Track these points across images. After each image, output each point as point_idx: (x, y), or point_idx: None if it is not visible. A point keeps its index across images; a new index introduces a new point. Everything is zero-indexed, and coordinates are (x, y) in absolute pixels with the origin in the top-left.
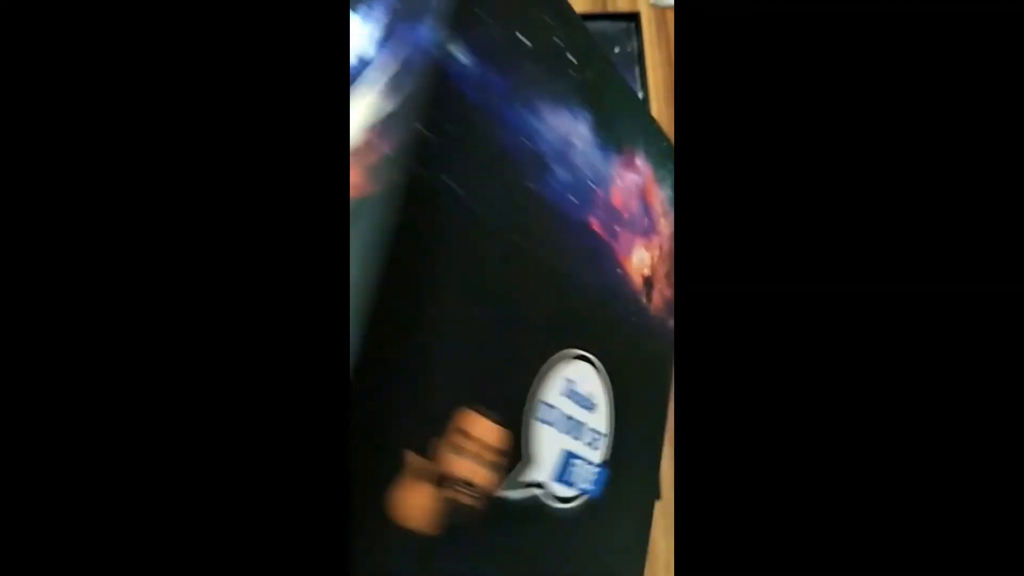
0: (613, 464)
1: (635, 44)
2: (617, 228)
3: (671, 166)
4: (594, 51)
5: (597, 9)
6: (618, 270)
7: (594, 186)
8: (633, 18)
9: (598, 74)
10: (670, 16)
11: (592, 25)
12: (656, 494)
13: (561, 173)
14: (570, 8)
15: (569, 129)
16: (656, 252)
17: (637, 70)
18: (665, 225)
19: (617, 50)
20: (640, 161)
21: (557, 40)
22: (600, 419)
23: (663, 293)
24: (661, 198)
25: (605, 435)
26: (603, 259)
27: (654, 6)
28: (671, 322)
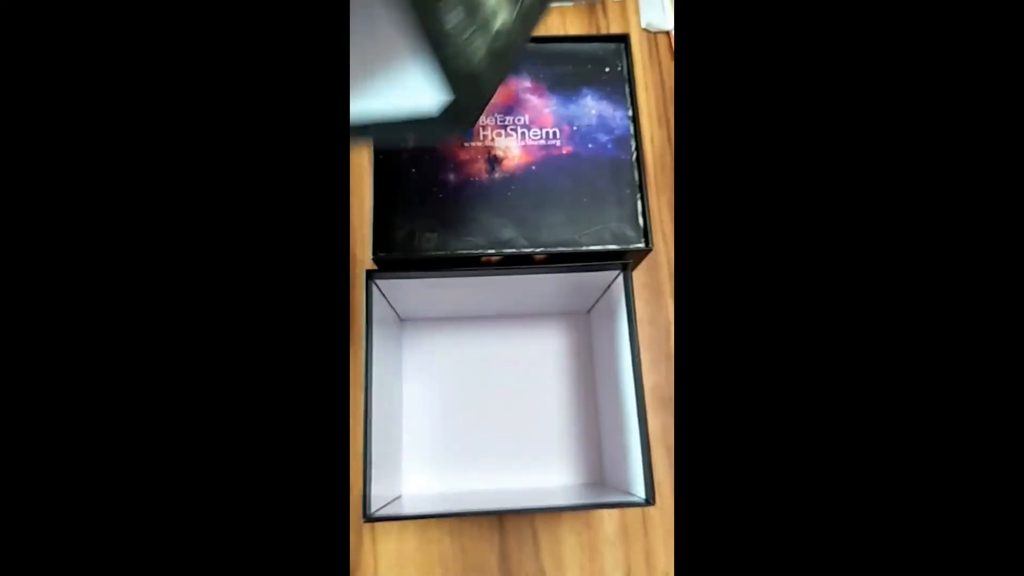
0: None
1: (625, 64)
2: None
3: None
4: None
5: (592, 32)
6: None
7: None
8: (623, 39)
9: None
10: (662, 39)
11: (586, 47)
12: None
13: None
14: None
15: None
16: None
17: (627, 88)
18: None
19: (608, 70)
20: None
21: None
22: None
23: None
24: None
25: None
26: None
27: (647, 29)
28: None
